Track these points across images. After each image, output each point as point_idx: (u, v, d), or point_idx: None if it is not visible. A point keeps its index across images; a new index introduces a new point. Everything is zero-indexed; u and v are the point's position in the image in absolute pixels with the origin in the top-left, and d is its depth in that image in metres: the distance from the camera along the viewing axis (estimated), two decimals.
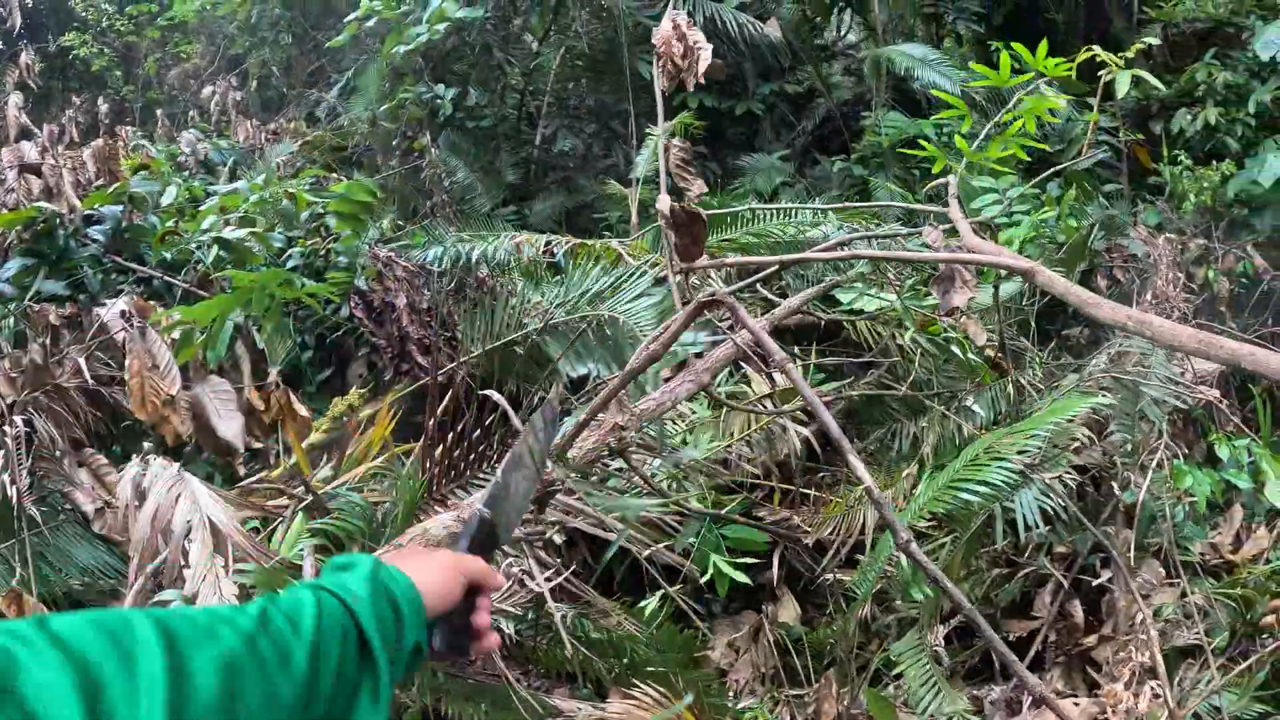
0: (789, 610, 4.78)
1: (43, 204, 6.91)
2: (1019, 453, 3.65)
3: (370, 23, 9.37)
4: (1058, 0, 10.97)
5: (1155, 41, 7.94)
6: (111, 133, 11.18)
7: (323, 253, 5.96)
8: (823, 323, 4.51)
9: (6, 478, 4.19)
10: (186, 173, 10.18)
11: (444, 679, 4.13)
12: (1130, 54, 6.93)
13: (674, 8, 4.45)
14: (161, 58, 15.21)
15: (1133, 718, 3.98)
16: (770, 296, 3.99)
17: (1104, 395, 4.81)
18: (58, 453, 4.76)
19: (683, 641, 4.19)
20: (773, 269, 3.50)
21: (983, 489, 3.53)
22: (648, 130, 6.48)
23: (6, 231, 6.63)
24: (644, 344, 2.78)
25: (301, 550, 2.90)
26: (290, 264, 6.31)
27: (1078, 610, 4.59)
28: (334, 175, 7.44)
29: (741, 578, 3.77)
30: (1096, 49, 6.94)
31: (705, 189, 5.42)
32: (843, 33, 9.43)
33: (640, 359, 2.68)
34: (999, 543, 4.14)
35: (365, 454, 4.28)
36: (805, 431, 4.27)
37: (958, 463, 3.70)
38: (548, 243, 5.32)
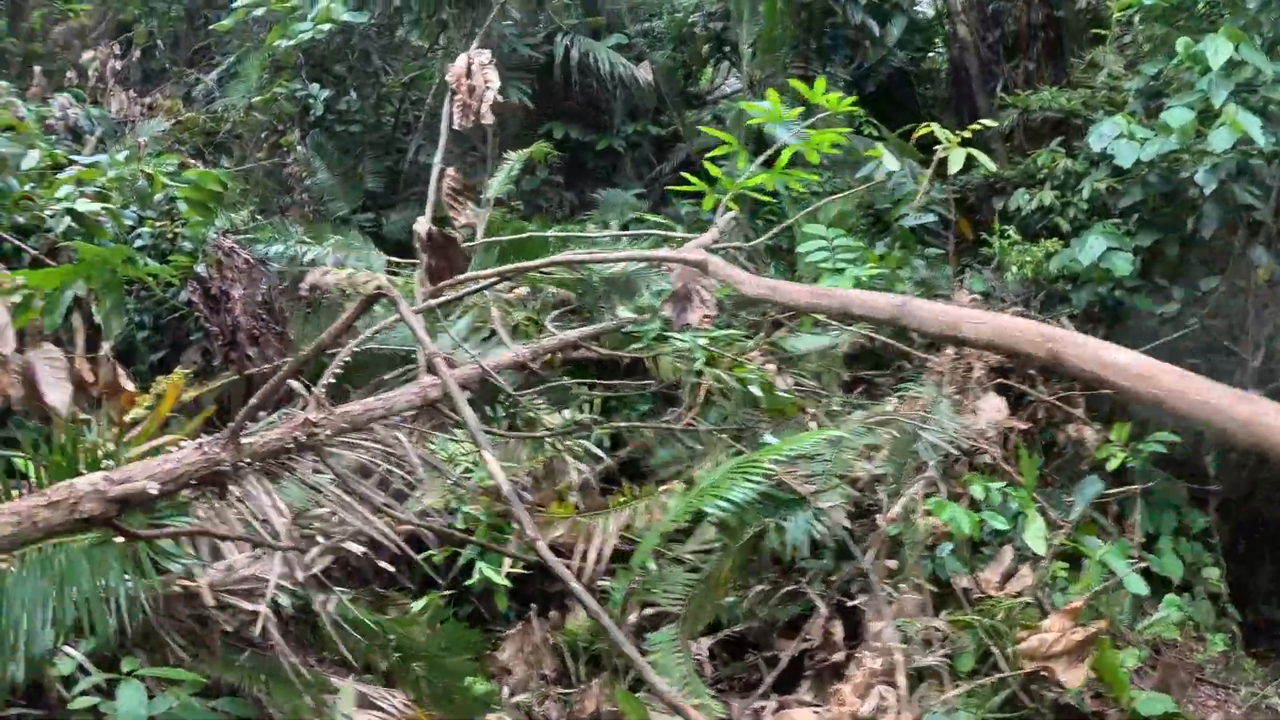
0: (579, 617, 5.13)
1: None
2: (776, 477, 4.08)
3: (259, 11, 9.41)
4: (929, 78, 11.76)
5: (991, 124, 8.63)
6: None
7: (170, 236, 6.05)
8: (627, 360, 4.89)
9: None
10: (54, 136, 9.95)
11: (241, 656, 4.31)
12: (967, 134, 7.60)
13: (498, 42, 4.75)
14: (50, 12, 14.69)
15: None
16: (551, 328, 4.32)
17: (879, 432, 5.37)
18: None
19: (468, 640, 4.49)
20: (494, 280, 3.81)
21: (724, 504, 3.96)
22: (504, 155, 6.79)
23: None
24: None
25: None
26: (138, 243, 6.38)
27: (836, 628, 5.07)
28: (195, 162, 7.48)
29: (500, 579, 4.11)
30: (934, 126, 7.63)
31: (474, 219, 5.73)
32: (718, 83, 9.94)
33: (310, 349, 2.93)
34: (765, 559, 4.59)
35: (151, 427, 4.45)
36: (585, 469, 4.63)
37: (706, 481, 4.13)
38: (349, 275, 5.51)
